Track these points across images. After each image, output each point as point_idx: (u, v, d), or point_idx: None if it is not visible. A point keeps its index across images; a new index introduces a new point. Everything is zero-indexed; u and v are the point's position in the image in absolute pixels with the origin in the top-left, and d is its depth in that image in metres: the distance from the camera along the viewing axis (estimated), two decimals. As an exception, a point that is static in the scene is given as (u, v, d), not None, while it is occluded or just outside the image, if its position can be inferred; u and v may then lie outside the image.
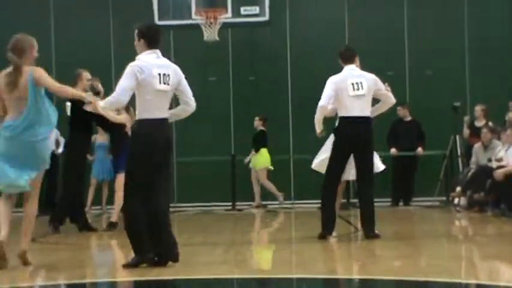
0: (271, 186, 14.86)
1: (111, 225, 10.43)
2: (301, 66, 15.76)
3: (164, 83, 6.65)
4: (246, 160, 14.89)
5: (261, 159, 14.77)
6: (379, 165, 8.92)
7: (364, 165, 8.53)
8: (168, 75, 6.72)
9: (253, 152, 14.84)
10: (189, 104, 6.98)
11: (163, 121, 6.71)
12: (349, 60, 8.80)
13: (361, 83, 8.58)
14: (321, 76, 15.42)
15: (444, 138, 14.16)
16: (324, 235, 8.46)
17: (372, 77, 8.65)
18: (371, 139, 8.54)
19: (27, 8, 15.46)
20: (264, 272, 6.34)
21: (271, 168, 14.87)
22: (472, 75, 15.56)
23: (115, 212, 10.45)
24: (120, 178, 9.97)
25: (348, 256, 7.68)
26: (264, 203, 15.05)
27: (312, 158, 15.30)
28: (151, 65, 6.68)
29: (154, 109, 6.60)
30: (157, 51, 6.78)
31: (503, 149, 12.18)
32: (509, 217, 10.81)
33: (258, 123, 14.94)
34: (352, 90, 8.58)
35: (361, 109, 8.54)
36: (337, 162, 8.63)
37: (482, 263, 7.11)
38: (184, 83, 6.95)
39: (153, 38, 6.80)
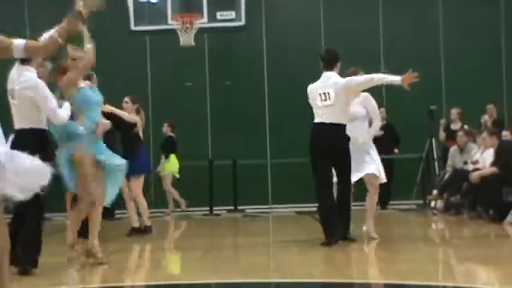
0: (175, 194, 14.70)
1: (147, 229, 10.07)
2: (277, 70, 15.79)
3: None
4: (158, 168, 14.52)
5: (168, 166, 14.46)
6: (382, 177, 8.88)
7: (339, 171, 8.53)
8: None
9: (163, 159, 14.60)
10: None
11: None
12: (326, 67, 8.75)
13: (328, 93, 8.51)
14: (297, 80, 15.54)
15: (420, 141, 14.23)
16: (329, 243, 8.23)
17: (341, 84, 8.51)
18: (342, 146, 8.45)
19: (2, 17, 15.37)
20: (242, 276, 6.32)
21: (177, 176, 14.64)
22: (448, 78, 15.67)
23: (145, 216, 10.12)
24: (136, 183, 9.89)
25: (325, 260, 7.68)
26: (241, 207, 15.04)
27: (289, 162, 15.46)
28: None
29: None
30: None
31: (478, 151, 12.26)
32: (485, 219, 10.88)
33: (166, 129, 14.54)
34: (320, 100, 8.58)
35: (331, 117, 8.47)
36: (315, 170, 8.58)
37: (459, 266, 7.15)
38: None
39: None
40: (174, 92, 15.66)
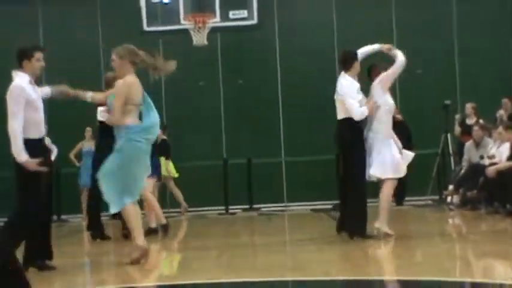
0: (179, 195, 14.62)
1: (165, 227, 10.08)
2: (290, 68, 15.78)
3: None
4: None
5: (166, 169, 14.04)
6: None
7: (345, 168, 8.64)
8: None
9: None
10: None
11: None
12: (344, 67, 8.86)
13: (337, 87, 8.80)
14: (310, 77, 15.59)
15: (435, 136, 14.18)
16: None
17: (344, 84, 8.73)
18: (343, 142, 8.62)
19: (16, 19, 15.43)
20: (259, 275, 6.31)
21: (176, 175, 14.50)
22: (462, 72, 15.60)
23: (159, 214, 10.12)
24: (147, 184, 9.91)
25: (342, 257, 7.66)
26: (256, 206, 15.04)
27: (304, 160, 15.45)
28: None
29: None
30: None
31: (494, 146, 12.20)
32: (502, 214, 10.82)
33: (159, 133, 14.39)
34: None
35: (342, 112, 8.73)
36: None
37: (477, 261, 7.11)
38: None
39: None
40: (187, 92, 15.67)
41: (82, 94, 7.82)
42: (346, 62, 8.83)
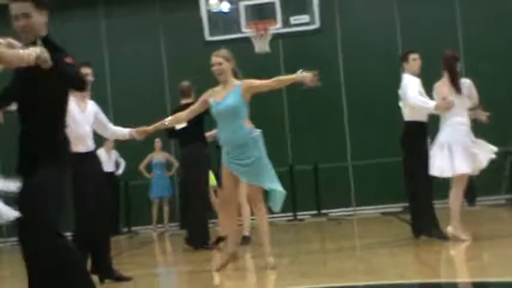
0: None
1: (245, 239, 10.07)
2: (354, 71, 15.70)
3: None
4: None
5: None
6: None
7: (409, 168, 8.84)
8: None
9: None
10: None
11: None
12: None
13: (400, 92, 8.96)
14: (374, 80, 15.46)
15: (507, 134, 13.91)
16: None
17: (403, 84, 8.83)
18: (404, 143, 8.92)
19: (80, 34, 15.72)
20: (332, 281, 6.27)
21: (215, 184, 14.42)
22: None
23: (247, 225, 10.17)
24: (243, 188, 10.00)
25: (416, 260, 7.56)
26: (325, 211, 14.99)
27: (369, 163, 15.33)
28: None
29: None
30: None
31: None
32: None
33: None
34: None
35: (404, 115, 9.00)
36: None
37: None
38: None
39: None
40: (252, 100, 15.69)
41: (160, 124, 7.82)
42: (402, 59, 9.13)
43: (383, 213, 14.12)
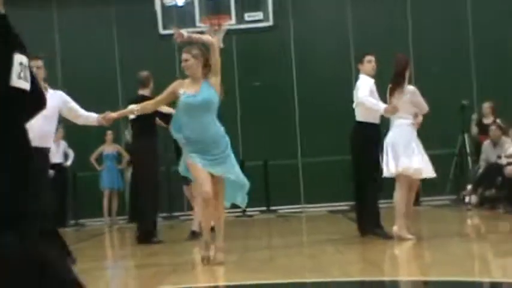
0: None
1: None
2: (306, 69, 15.79)
3: None
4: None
5: None
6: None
7: (359, 168, 8.93)
8: None
9: None
10: None
11: None
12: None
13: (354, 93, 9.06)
14: (326, 78, 15.59)
15: (453, 136, 14.15)
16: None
17: (357, 86, 8.94)
18: (354, 143, 9.00)
19: (32, 24, 15.51)
20: (279, 277, 6.33)
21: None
22: (479, 72, 15.56)
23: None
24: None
25: (361, 258, 7.68)
26: (274, 208, 15.08)
27: (319, 161, 15.46)
28: None
29: None
30: None
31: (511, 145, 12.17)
32: (521, 213, 10.81)
33: None
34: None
35: (356, 115, 9.02)
36: None
37: (496, 261, 7.10)
38: None
39: None
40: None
41: (128, 111, 7.84)
42: (360, 61, 9.18)
43: (331, 211, 14.26)
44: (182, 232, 10.76)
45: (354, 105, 9.05)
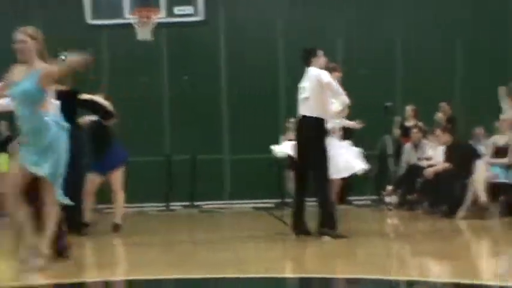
0: None
1: (117, 227, 9.96)
2: (236, 65, 15.80)
3: None
4: None
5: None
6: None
7: (307, 165, 8.66)
8: None
9: None
10: None
11: None
12: (305, 64, 8.91)
13: (304, 87, 8.77)
14: (256, 75, 15.64)
15: (375, 137, 14.39)
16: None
17: (314, 76, 8.70)
18: (311, 138, 8.62)
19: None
20: (199, 272, 6.34)
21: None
22: (403, 76, 15.85)
23: (120, 213, 10.02)
24: (118, 175, 9.86)
25: (283, 255, 7.75)
26: (197, 203, 15.06)
27: (246, 158, 15.50)
28: None
29: None
30: None
31: (432, 148, 12.46)
32: (438, 214, 11.08)
33: None
34: (300, 94, 8.84)
35: (306, 110, 8.72)
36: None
37: (413, 260, 7.27)
38: None
39: None
40: (131, 87, 15.57)
41: None
42: (309, 56, 8.91)
43: (255, 208, 14.33)
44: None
45: (302, 97, 8.79)
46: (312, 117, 8.65)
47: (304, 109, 8.72)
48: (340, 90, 8.81)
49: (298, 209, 8.82)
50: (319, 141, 8.59)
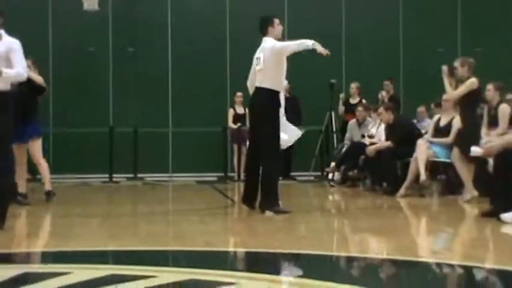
0: None
1: (50, 194, 9.90)
2: (182, 38, 15.74)
3: None
4: None
5: None
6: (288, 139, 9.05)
7: (259, 136, 8.58)
8: None
9: None
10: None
11: None
12: (261, 32, 8.79)
13: (259, 58, 8.69)
14: (202, 48, 15.59)
15: (320, 114, 14.50)
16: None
17: (268, 46, 8.61)
18: (262, 110, 8.55)
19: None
20: (140, 244, 6.34)
21: None
22: (348, 53, 15.98)
23: (48, 180, 9.92)
24: (38, 146, 9.71)
25: (224, 229, 7.78)
26: (141, 175, 15.01)
27: (191, 131, 15.48)
28: None
29: None
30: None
31: (375, 126, 12.59)
32: (379, 192, 11.24)
33: None
34: (256, 65, 8.75)
35: (262, 81, 8.61)
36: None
37: (353, 236, 7.37)
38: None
39: None
40: (76, 57, 15.38)
41: None
42: (265, 25, 8.78)
43: (198, 182, 14.35)
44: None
45: (258, 68, 8.68)
46: (266, 88, 8.56)
47: (259, 80, 8.63)
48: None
49: (251, 183, 8.74)
50: (273, 113, 8.54)
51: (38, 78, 9.63)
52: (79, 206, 9.85)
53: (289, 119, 9.16)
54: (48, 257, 6.01)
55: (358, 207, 10.02)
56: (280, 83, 8.67)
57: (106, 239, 6.69)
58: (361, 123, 13.15)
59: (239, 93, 14.57)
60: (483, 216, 7.85)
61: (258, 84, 8.67)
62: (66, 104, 15.00)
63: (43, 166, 9.99)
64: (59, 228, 7.56)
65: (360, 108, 13.28)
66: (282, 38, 8.90)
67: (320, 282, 4.67)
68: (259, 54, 8.74)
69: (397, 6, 16.07)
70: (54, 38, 15.43)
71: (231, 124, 14.87)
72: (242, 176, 14.14)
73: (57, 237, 6.91)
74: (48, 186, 10.02)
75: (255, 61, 8.81)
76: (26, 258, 5.98)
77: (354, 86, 14.49)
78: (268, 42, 8.67)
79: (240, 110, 14.77)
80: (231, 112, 14.94)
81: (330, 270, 5.35)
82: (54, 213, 9.07)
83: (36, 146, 9.81)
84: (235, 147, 14.76)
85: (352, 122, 13.34)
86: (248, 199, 8.74)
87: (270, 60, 8.56)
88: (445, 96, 10.53)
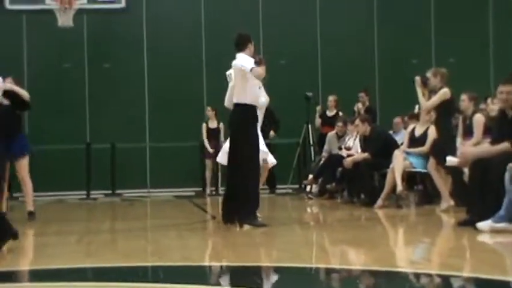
0: None
1: (31, 215, 9.81)
2: (158, 54, 15.74)
3: None
4: None
5: None
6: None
7: (236, 153, 8.59)
8: None
9: None
10: None
11: None
12: (237, 48, 8.74)
13: (230, 74, 8.78)
14: (178, 64, 15.58)
15: (297, 126, 14.53)
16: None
17: (239, 65, 8.59)
18: (237, 126, 8.61)
19: None
20: (118, 260, 6.30)
21: None
22: (324, 65, 16.05)
23: (31, 200, 9.82)
24: (24, 163, 9.62)
25: (203, 244, 7.77)
26: (119, 191, 14.96)
27: (168, 146, 15.44)
28: None
29: None
30: None
31: (352, 138, 12.64)
32: (357, 204, 11.27)
33: None
34: (229, 81, 8.85)
35: (236, 97, 8.65)
36: None
37: (332, 248, 7.38)
38: None
39: None
40: (51, 74, 15.32)
41: None
42: (242, 43, 8.72)
43: (176, 197, 14.31)
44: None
45: (231, 84, 8.75)
46: (242, 103, 8.60)
47: (235, 97, 8.67)
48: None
49: (230, 198, 8.72)
50: (251, 127, 8.58)
51: (24, 94, 9.44)
52: (56, 224, 9.79)
53: (265, 132, 9.22)
54: (24, 276, 5.96)
55: (337, 219, 10.05)
56: (255, 97, 8.69)
57: (84, 257, 6.65)
58: (340, 137, 13.17)
59: (209, 107, 14.66)
60: (460, 226, 7.91)
61: (234, 101, 8.72)
62: (42, 120, 14.91)
63: (28, 184, 9.87)
64: (36, 247, 7.51)
65: (339, 124, 13.27)
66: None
67: (299, 295, 4.67)
68: (230, 70, 8.81)
69: (371, 19, 16.19)
70: (29, 54, 15.37)
71: (204, 139, 14.83)
72: (215, 192, 14.21)
73: (35, 255, 6.86)
74: (30, 206, 9.90)
75: (228, 78, 8.87)
76: (2, 277, 5.93)
77: (331, 98, 14.54)
78: (238, 60, 8.66)
79: (213, 124, 14.76)
80: (204, 127, 14.91)
81: (310, 282, 5.36)
82: (31, 232, 8.99)
83: (23, 163, 9.71)
84: (208, 162, 14.68)
85: (331, 134, 13.37)
86: (229, 217, 8.68)
87: (240, 77, 8.59)
88: (422, 106, 10.59)
